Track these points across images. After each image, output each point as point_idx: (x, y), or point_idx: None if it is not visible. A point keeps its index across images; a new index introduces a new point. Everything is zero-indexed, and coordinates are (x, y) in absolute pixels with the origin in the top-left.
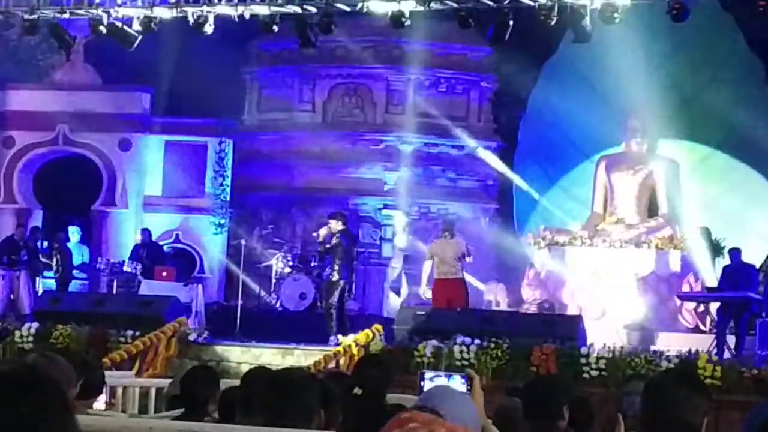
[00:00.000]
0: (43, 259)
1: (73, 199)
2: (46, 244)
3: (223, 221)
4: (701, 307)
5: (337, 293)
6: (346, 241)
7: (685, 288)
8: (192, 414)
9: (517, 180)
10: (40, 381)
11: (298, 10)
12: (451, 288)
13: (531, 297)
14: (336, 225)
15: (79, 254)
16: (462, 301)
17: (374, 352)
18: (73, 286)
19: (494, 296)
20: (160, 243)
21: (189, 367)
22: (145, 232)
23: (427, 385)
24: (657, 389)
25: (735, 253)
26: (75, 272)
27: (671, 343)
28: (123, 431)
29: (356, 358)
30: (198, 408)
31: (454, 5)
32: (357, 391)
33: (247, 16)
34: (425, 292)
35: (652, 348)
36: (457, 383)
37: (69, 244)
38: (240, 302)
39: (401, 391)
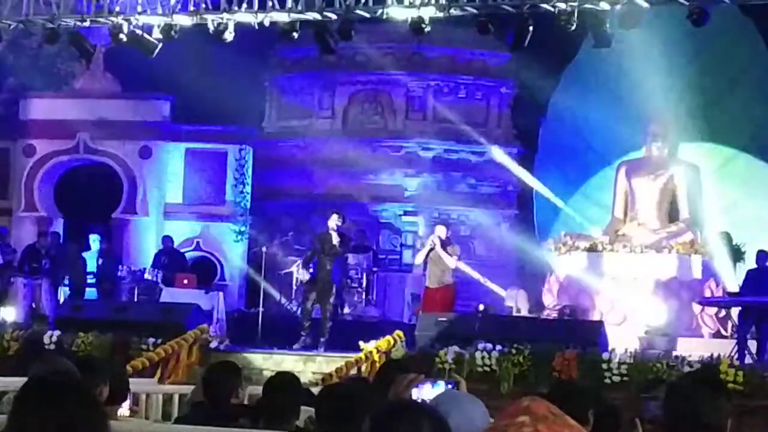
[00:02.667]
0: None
1: (94, 208)
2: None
3: (243, 228)
4: (722, 312)
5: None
6: (344, 243)
7: (706, 293)
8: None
9: (537, 185)
10: (78, 387)
11: (317, 17)
12: (444, 295)
13: (552, 303)
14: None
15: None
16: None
17: (396, 358)
18: (92, 293)
19: (515, 302)
20: (181, 250)
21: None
22: (167, 239)
23: (414, 394)
24: (680, 391)
25: (762, 255)
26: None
27: (693, 349)
28: None
29: (377, 365)
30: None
31: (474, 11)
32: None
33: (266, 23)
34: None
35: (674, 353)
36: (441, 390)
37: (88, 253)
38: (261, 309)
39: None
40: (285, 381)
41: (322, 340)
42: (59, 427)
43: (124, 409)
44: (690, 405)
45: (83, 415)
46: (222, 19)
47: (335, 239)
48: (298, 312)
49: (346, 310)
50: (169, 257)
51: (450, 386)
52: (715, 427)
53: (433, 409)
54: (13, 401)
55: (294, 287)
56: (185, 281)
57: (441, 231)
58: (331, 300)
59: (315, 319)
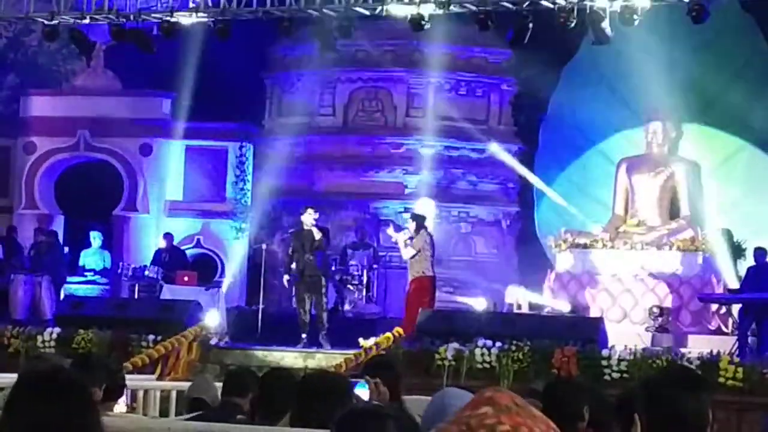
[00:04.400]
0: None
1: (95, 205)
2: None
3: (244, 226)
4: (723, 309)
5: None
6: (326, 236)
7: (707, 290)
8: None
9: (537, 182)
10: (72, 383)
11: (317, 14)
12: (416, 286)
13: (552, 299)
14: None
15: (101, 259)
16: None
17: (382, 354)
18: (94, 291)
19: (515, 299)
20: (181, 248)
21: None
22: (168, 236)
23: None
24: (659, 391)
25: (760, 252)
26: (96, 277)
27: (693, 345)
28: None
29: None
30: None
31: (474, 8)
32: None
33: (266, 20)
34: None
35: (674, 350)
36: (365, 389)
37: (89, 250)
38: (261, 306)
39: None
40: (280, 377)
41: (322, 334)
42: (51, 422)
43: (120, 406)
44: (672, 404)
45: (75, 410)
46: (222, 16)
47: (317, 235)
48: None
49: (347, 306)
50: (169, 254)
51: (365, 386)
52: (698, 425)
53: (399, 412)
54: (6, 397)
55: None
56: (186, 278)
57: (410, 223)
58: (324, 292)
59: (313, 317)
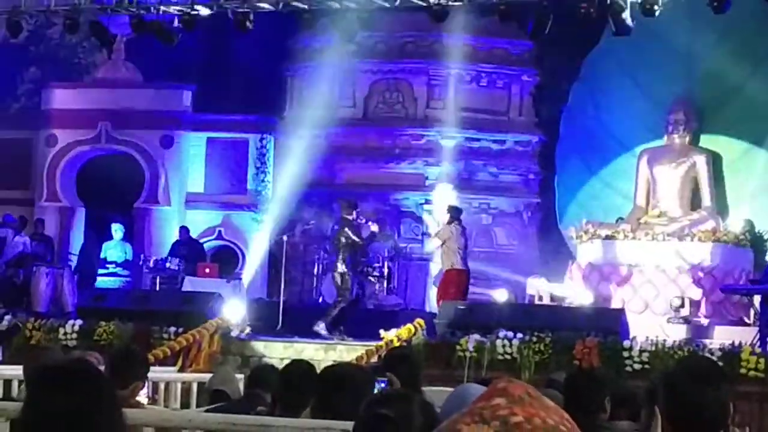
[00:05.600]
0: None
1: (116, 197)
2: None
3: (265, 217)
4: (745, 300)
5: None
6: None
7: (728, 281)
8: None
9: (558, 174)
10: (94, 374)
11: (338, 5)
12: (444, 279)
13: (573, 291)
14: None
15: (122, 251)
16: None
17: (402, 346)
18: (116, 283)
19: (536, 290)
20: (203, 240)
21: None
22: (183, 229)
23: None
24: (675, 379)
25: None
26: (118, 270)
27: (715, 336)
28: (163, 424)
29: None
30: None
31: None
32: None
33: (287, 12)
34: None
35: (695, 341)
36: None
37: (111, 242)
38: (282, 298)
39: (444, 386)
40: (300, 369)
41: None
42: (73, 413)
43: (141, 398)
44: (691, 397)
45: (97, 402)
46: (242, 8)
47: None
48: (339, 307)
49: (367, 298)
50: (187, 247)
51: (383, 384)
52: (718, 417)
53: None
54: (28, 388)
55: (315, 276)
56: (207, 270)
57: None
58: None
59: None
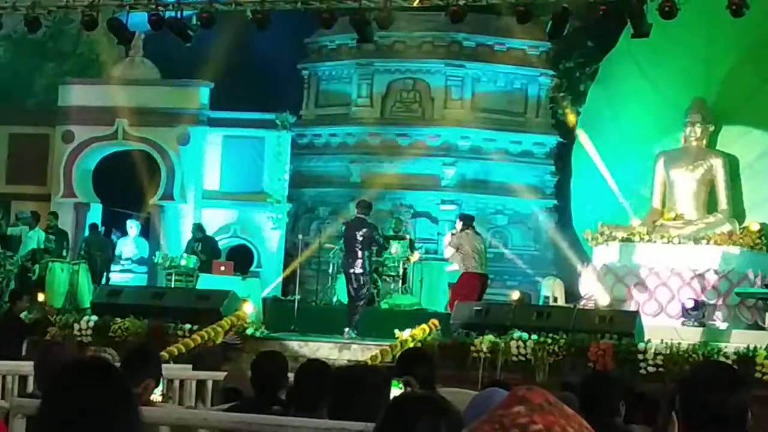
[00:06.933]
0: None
1: (132, 194)
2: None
3: (280, 216)
4: (760, 304)
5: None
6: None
7: (744, 284)
8: (263, 399)
9: (575, 175)
10: (112, 371)
11: (356, 4)
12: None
13: (588, 293)
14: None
15: (138, 248)
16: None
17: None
18: (131, 279)
19: (551, 291)
20: (218, 237)
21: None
22: (198, 227)
23: None
24: (693, 385)
25: None
26: (133, 266)
27: (730, 339)
28: (179, 422)
29: None
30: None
31: (512, 0)
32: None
33: (305, 10)
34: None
35: (710, 345)
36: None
37: (126, 239)
38: (297, 296)
39: (459, 387)
40: (315, 369)
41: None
42: (91, 411)
43: (156, 395)
44: (711, 403)
45: (114, 400)
46: (261, 6)
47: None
48: (360, 308)
49: (382, 298)
50: (201, 244)
51: (401, 386)
52: (738, 423)
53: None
54: (45, 385)
55: (330, 274)
56: (222, 268)
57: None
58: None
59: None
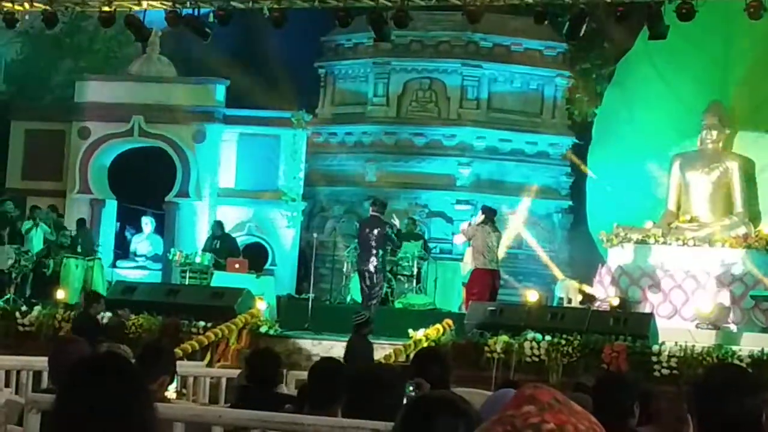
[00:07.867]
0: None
1: (147, 191)
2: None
3: (295, 214)
4: None
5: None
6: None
7: (759, 287)
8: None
9: (590, 176)
10: (127, 367)
11: (373, 3)
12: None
13: (603, 294)
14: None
15: (153, 245)
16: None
17: (431, 346)
18: (145, 276)
19: (566, 293)
20: (233, 235)
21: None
22: (218, 224)
23: None
24: (709, 388)
25: None
26: (148, 263)
27: (744, 343)
28: (194, 419)
29: None
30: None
31: (530, 0)
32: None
33: (322, 9)
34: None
35: (724, 347)
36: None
37: (141, 235)
38: (312, 295)
39: (472, 387)
40: (329, 367)
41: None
42: (106, 406)
43: (170, 392)
44: (727, 406)
45: (130, 396)
46: (278, 4)
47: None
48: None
49: (396, 298)
50: (221, 241)
51: (412, 388)
52: (753, 427)
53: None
54: (61, 381)
55: (345, 273)
56: (237, 266)
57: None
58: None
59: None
